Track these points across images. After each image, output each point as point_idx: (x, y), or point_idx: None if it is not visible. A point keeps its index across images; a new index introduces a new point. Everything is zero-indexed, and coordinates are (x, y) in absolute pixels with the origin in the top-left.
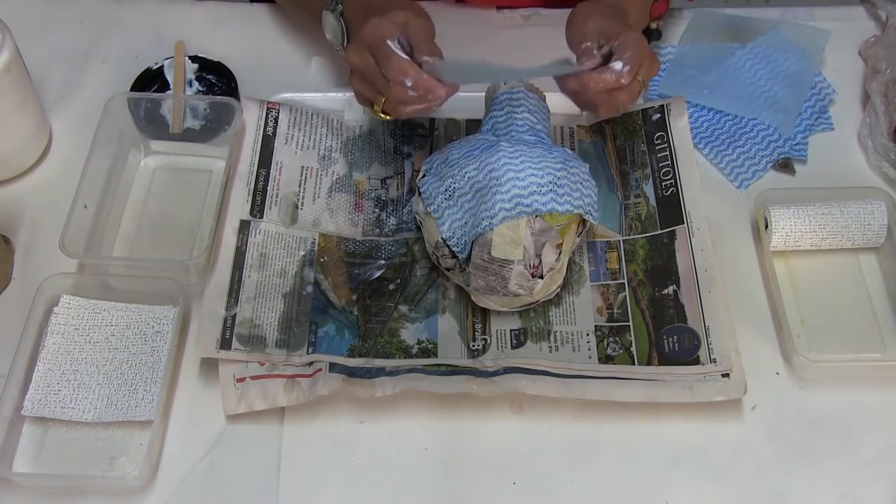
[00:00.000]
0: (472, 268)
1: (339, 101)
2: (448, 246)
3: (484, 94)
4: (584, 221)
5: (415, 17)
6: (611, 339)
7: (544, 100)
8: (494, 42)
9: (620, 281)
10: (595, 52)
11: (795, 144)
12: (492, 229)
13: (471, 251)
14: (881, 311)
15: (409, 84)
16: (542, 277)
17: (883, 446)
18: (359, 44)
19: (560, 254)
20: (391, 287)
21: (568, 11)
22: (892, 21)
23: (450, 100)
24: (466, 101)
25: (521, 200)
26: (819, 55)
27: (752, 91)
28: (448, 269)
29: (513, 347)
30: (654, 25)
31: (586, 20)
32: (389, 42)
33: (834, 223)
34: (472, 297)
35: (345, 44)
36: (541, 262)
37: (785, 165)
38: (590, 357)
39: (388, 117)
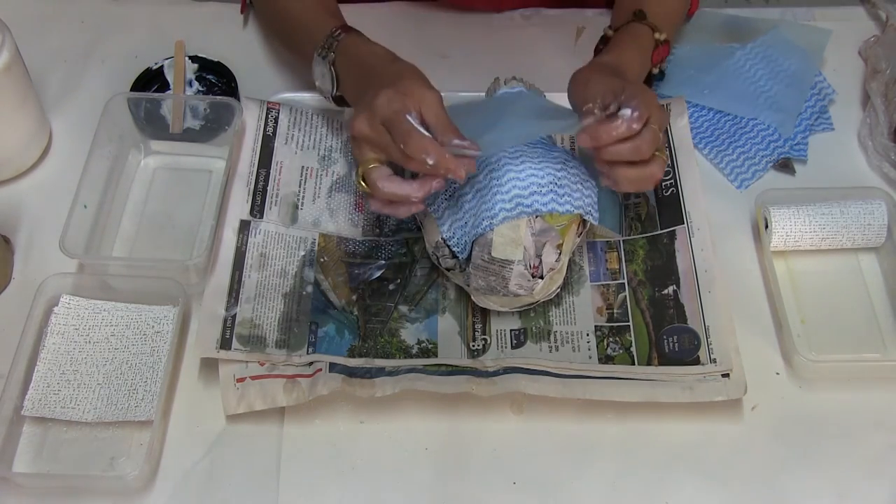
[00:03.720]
0: (473, 268)
1: None
2: (448, 246)
3: (484, 94)
4: (584, 222)
5: (427, 89)
6: (611, 339)
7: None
8: (495, 43)
9: (620, 281)
10: (597, 111)
11: (795, 144)
12: (492, 229)
13: (471, 251)
14: (881, 311)
15: (431, 163)
16: (542, 278)
17: (883, 446)
18: (370, 114)
19: (560, 254)
20: (391, 287)
21: (568, 11)
22: (892, 21)
23: (449, 100)
24: (466, 102)
25: (522, 201)
26: (819, 55)
27: (752, 91)
28: (448, 270)
29: (513, 347)
30: (655, 70)
31: (586, 85)
32: (409, 117)
33: (834, 223)
34: (473, 298)
35: (334, 91)
36: (541, 262)
37: (785, 165)
38: (590, 357)
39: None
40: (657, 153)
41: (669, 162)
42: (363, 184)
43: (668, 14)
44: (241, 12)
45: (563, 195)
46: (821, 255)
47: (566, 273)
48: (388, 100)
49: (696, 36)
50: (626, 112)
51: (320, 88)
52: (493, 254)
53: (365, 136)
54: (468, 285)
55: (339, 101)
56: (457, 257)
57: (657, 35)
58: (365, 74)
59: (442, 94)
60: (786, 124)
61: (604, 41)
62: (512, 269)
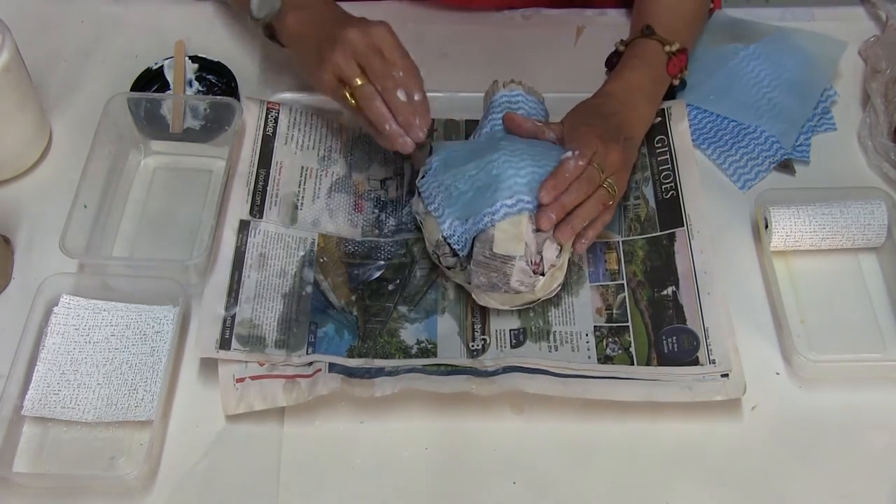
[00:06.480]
0: (474, 264)
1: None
2: (449, 244)
3: (483, 94)
4: None
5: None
6: (610, 339)
7: (543, 102)
8: (495, 42)
9: (620, 282)
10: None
11: (798, 146)
12: (493, 225)
13: (472, 248)
14: (881, 311)
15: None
16: (543, 274)
17: (883, 446)
18: (364, 28)
19: (561, 250)
20: (390, 287)
21: (568, 11)
22: (892, 21)
23: (449, 100)
24: (466, 101)
25: (523, 197)
26: (832, 67)
27: (756, 94)
28: (449, 268)
29: (512, 347)
30: (675, 82)
31: (568, 123)
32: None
33: (834, 223)
34: (473, 296)
35: (267, 20)
36: (542, 258)
37: (785, 165)
38: (589, 357)
39: (352, 103)
40: (594, 165)
41: (669, 165)
42: (352, 101)
43: (682, 22)
44: None
45: None
46: (821, 255)
47: (566, 274)
48: (385, 25)
49: (701, 38)
50: (568, 153)
51: (252, 13)
52: (494, 249)
53: (355, 41)
54: (469, 283)
55: (268, 30)
56: (457, 255)
57: (667, 48)
58: (322, 18)
59: (442, 93)
60: (788, 135)
61: (617, 55)
62: (513, 265)
